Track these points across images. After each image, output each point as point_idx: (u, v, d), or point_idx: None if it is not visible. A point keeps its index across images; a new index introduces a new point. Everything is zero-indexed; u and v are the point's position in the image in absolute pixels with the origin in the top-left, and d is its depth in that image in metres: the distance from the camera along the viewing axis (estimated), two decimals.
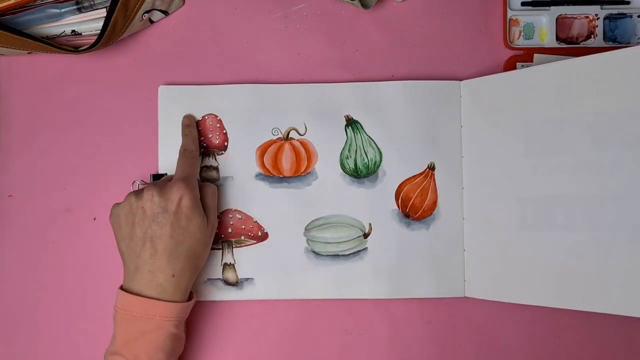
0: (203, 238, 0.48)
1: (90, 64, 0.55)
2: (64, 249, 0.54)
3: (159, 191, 0.46)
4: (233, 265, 0.53)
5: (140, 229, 0.46)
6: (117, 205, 0.48)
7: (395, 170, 0.54)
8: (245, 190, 0.54)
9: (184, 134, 0.52)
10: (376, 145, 0.54)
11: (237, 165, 0.54)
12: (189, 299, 0.48)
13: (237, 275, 0.53)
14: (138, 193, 0.47)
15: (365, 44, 0.55)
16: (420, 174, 0.54)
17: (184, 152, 0.51)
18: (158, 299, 0.45)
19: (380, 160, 0.54)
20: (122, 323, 0.46)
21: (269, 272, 0.53)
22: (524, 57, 0.54)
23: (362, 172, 0.54)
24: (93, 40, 0.51)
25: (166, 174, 0.53)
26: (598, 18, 0.54)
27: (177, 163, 0.50)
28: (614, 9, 0.54)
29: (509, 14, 0.55)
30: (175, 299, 0.46)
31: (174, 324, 0.46)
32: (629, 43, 0.54)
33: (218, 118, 0.54)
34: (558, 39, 0.55)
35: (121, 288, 0.47)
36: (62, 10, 0.51)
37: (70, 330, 0.54)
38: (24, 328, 0.54)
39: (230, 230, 0.53)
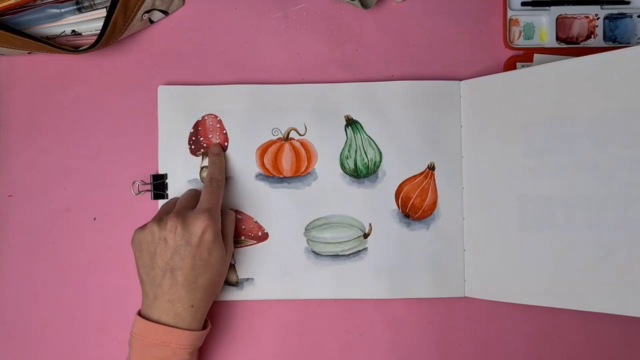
0: (222, 269, 0.48)
1: (90, 64, 0.55)
2: (64, 249, 0.54)
3: (182, 223, 0.46)
4: (233, 265, 0.53)
5: (161, 259, 0.46)
6: (139, 230, 0.48)
7: (395, 170, 0.54)
8: (246, 191, 0.54)
9: (211, 162, 0.52)
10: (376, 146, 0.54)
11: (237, 165, 0.54)
12: (204, 326, 0.48)
13: (237, 275, 0.53)
14: (160, 222, 0.47)
15: (365, 44, 0.55)
16: (420, 174, 0.54)
17: (210, 181, 0.50)
18: (175, 327, 0.46)
19: (380, 160, 0.54)
20: (138, 349, 0.46)
21: (269, 272, 0.53)
22: (524, 57, 0.54)
23: (362, 172, 0.54)
24: (93, 40, 0.51)
25: (166, 174, 0.53)
26: (598, 18, 0.54)
27: (203, 191, 0.49)
28: (614, 9, 0.54)
29: (509, 14, 0.55)
30: (192, 328, 0.46)
31: (188, 352, 0.46)
32: (629, 43, 0.54)
33: (218, 118, 0.54)
34: (558, 39, 0.55)
35: (139, 313, 0.47)
36: (62, 10, 0.51)
37: (71, 329, 0.54)
38: (24, 328, 0.54)
39: None
